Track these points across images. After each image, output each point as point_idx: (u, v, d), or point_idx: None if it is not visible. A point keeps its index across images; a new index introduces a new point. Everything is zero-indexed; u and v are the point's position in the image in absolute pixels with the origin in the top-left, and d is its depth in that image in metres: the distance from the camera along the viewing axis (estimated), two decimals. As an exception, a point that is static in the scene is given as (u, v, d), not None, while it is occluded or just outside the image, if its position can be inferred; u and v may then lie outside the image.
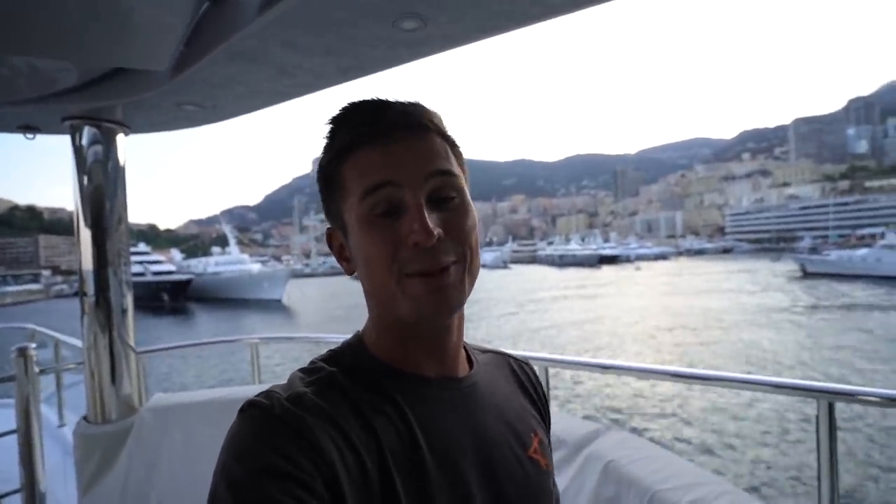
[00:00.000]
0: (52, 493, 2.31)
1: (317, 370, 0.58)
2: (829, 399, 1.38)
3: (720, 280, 43.97)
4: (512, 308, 29.73)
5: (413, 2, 1.11)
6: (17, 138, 2.32)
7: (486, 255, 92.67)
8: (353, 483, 0.48)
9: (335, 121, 0.60)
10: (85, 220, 2.07)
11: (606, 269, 70.10)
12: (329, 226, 0.65)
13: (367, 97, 0.60)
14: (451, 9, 1.16)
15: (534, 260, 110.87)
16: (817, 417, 1.40)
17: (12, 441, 2.16)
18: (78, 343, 2.26)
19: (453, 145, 0.62)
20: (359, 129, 0.58)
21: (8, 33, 1.27)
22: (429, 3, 1.12)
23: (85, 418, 2.13)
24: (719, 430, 8.79)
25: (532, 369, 0.78)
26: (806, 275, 43.50)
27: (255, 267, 54.60)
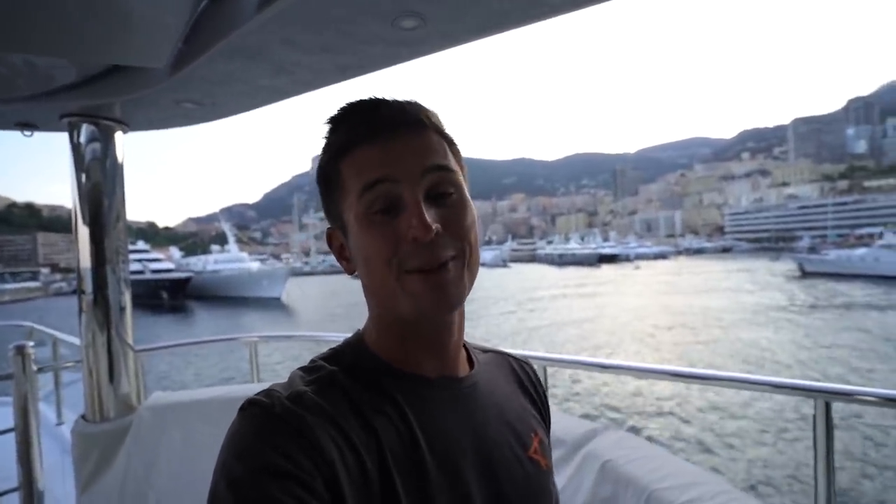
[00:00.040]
0: (51, 492, 2.31)
1: (317, 369, 0.57)
2: (826, 399, 1.39)
3: (719, 279, 44.04)
4: (511, 307, 29.76)
5: (412, 0, 1.10)
6: (15, 135, 2.32)
7: (486, 254, 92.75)
8: (353, 483, 0.48)
9: (333, 120, 0.60)
10: (83, 217, 2.07)
11: (606, 268, 70.16)
12: (329, 226, 0.65)
13: (365, 96, 0.60)
14: (451, 7, 1.15)
15: (533, 259, 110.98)
16: (814, 417, 1.40)
17: (10, 439, 2.16)
18: (76, 341, 2.25)
19: (451, 143, 0.62)
20: (356, 127, 0.58)
21: (6, 31, 1.27)
22: (428, 1, 1.12)
23: (83, 417, 2.13)
24: (718, 428, 8.82)
25: (532, 369, 0.78)
26: (804, 274, 43.58)
27: (255, 265, 54.65)
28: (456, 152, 0.63)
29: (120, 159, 2.14)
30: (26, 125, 2.07)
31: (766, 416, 9.17)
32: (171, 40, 1.39)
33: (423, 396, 0.59)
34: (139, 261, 49.79)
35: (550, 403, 0.80)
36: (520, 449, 0.64)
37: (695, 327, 20.55)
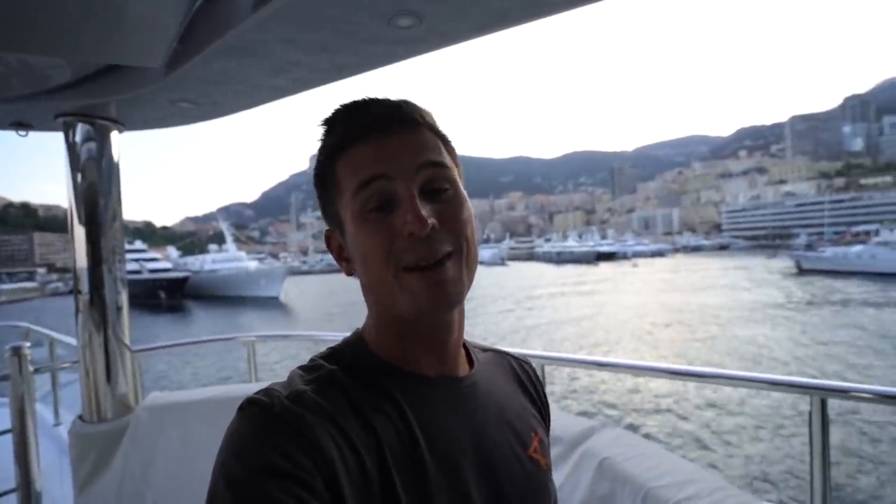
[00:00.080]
0: (48, 492, 2.31)
1: (316, 368, 0.57)
2: (821, 395, 1.40)
3: (717, 277, 44.17)
4: (509, 305, 29.79)
5: (408, -1, 1.10)
6: (10, 135, 2.30)
7: (484, 252, 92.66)
8: (353, 482, 0.48)
9: (327, 122, 0.61)
10: (79, 217, 2.06)
11: (604, 266, 70.26)
12: (327, 228, 0.65)
13: (359, 97, 0.61)
14: (447, 6, 1.15)
15: (531, 257, 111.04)
16: (810, 414, 1.41)
17: (7, 440, 2.15)
18: (73, 341, 2.25)
19: (445, 140, 0.62)
20: (350, 127, 0.58)
21: (1, 30, 1.26)
22: (424, 0, 1.12)
23: (80, 417, 2.13)
24: (715, 425, 8.85)
25: (532, 368, 0.78)
26: (801, 271, 43.73)
27: (253, 264, 54.55)
28: (451, 150, 0.63)
29: (116, 159, 2.13)
30: (21, 125, 2.06)
31: (762, 412, 9.21)
32: (167, 40, 1.39)
33: (423, 395, 0.59)
34: (136, 260, 49.59)
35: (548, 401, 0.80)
36: (520, 448, 0.64)
37: (692, 325, 20.61)
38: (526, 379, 0.75)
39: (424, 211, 0.54)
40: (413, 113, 0.60)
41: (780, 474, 7.05)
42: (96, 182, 2.08)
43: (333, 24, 1.22)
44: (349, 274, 0.63)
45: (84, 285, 2.07)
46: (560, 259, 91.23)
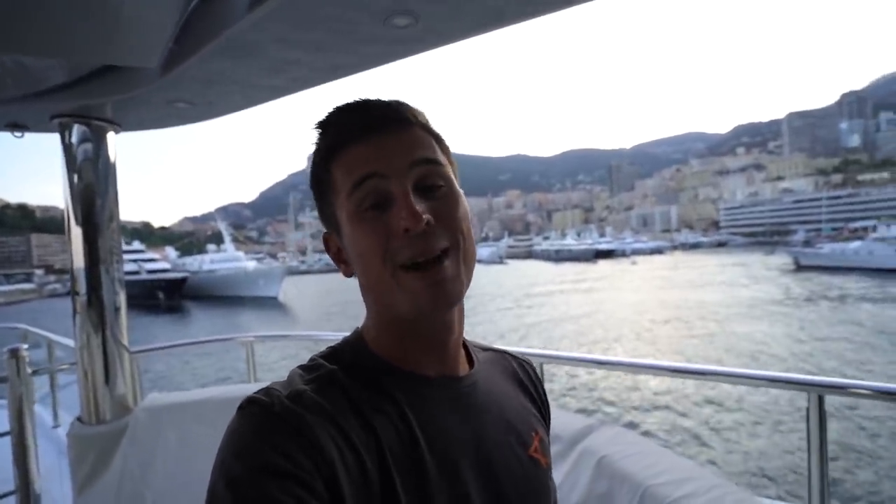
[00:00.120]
0: (48, 494, 2.30)
1: (316, 368, 0.57)
2: (819, 392, 1.40)
3: (715, 273, 44.24)
4: (508, 303, 29.80)
5: (404, -2, 1.10)
6: (6, 136, 2.30)
7: (482, 251, 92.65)
8: (353, 482, 0.48)
9: (321, 125, 0.61)
10: (76, 218, 2.05)
11: (602, 264, 70.32)
12: (325, 231, 0.65)
13: (351, 99, 0.61)
14: (443, 6, 1.15)
15: (530, 255, 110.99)
16: (808, 410, 1.42)
17: (6, 442, 2.15)
18: (71, 343, 2.24)
19: (438, 139, 0.63)
20: (343, 129, 0.59)
21: (-6, 31, 1.25)
22: (420, 0, 1.12)
23: (79, 419, 2.12)
24: (714, 421, 8.88)
25: (532, 368, 0.78)
26: (799, 268, 43.84)
27: (251, 264, 54.40)
28: (444, 148, 0.63)
29: (112, 159, 2.13)
30: (17, 126, 2.05)
31: (762, 408, 9.24)
32: (162, 40, 1.38)
33: (423, 395, 0.59)
34: (135, 261, 49.48)
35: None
36: (520, 448, 0.64)
37: (691, 321, 20.65)
38: (526, 378, 0.75)
39: (419, 207, 0.54)
40: (405, 112, 0.60)
41: (778, 470, 7.08)
42: (93, 183, 2.07)
43: (329, 23, 1.22)
44: (348, 276, 0.63)
45: (81, 286, 2.07)
46: (559, 257, 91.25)
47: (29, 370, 2.20)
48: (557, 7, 1.20)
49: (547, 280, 46.50)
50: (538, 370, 0.80)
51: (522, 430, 0.66)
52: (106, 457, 2.06)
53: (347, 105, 0.60)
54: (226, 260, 55.48)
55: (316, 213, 0.66)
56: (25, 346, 2.26)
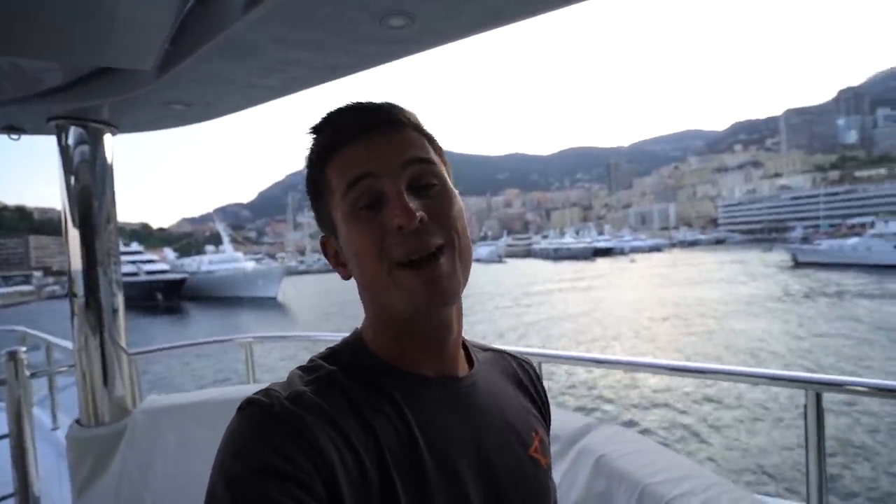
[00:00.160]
0: (47, 496, 2.30)
1: (316, 369, 0.57)
2: (816, 389, 1.41)
3: (713, 271, 44.31)
4: (507, 302, 29.83)
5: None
6: (3, 138, 2.30)
7: (481, 250, 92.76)
8: (352, 483, 0.48)
9: (315, 129, 0.62)
10: (73, 220, 2.05)
11: (601, 262, 70.38)
12: (323, 235, 0.65)
13: (349, 99, 0.62)
14: (438, 6, 1.15)
15: (529, 254, 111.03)
16: (805, 407, 1.42)
17: (5, 445, 2.15)
18: (70, 345, 2.24)
19: (431, 139, 0.63)
20: (337, 131, 0.60)
21: (-10, 34, 1.25)
22: (415, 0, 1.12)
23: (78, 421, 2.12)
24: (714, 418, 8.90)
25: (532, 368, 0.78)
26: (797, 264, 43.93)
27: (250, 265, 54.32)
28: (437, 148, 0.64)
29: (109, 161, 2.13)
30: (13, 129, 2.05)
31: (762, 405, 9.26)
32: (158, 42, 1.38)
33: (422, 395, 0.59)
34: (133, 262, 49.38)
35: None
36: (520, 448, 0.64)
37: (690, 319, 20.68)
38: (526, 379, 0.75)
39: (413, 205, 0.55)
40: (398, 114, 0.61)
41: (776, 467, 7.10)
42: (90, 185, 2.07)
43: (325, 24, 1.22)
44: (346, 279, 0.63)
45: (79, 288, 2.06)
46: (557, 255, 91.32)
47: (27, 373, 2.20)
48: (555, 6, 1.20)
49: (546, 279, 46.52)
50: (537, 370, 0.80)
51: (522, 430, 0.66)
52: (105, 459, 2.06)
53: (340, 108, 0.61)
54: (224, 261, 55.40)
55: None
56: (24, 348, 2.26)
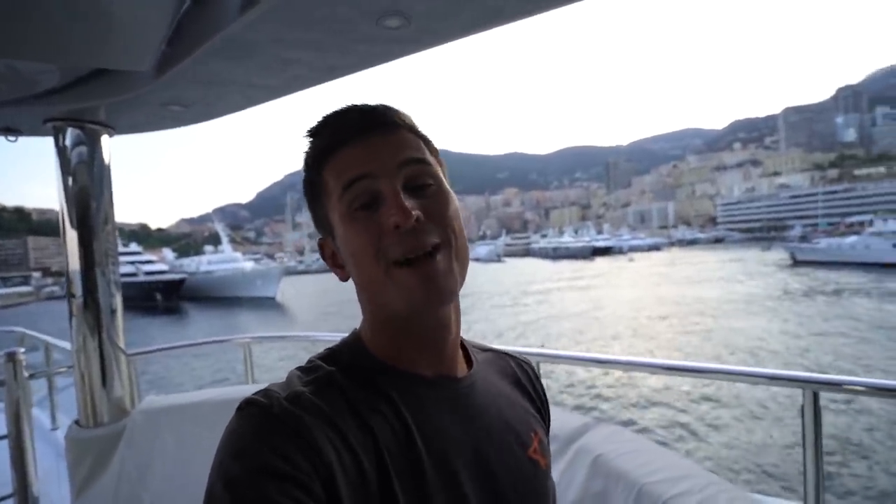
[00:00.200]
0: (46, 497, 2.30)
1: (315, 369, 0.57)
2: (813, 389, 1.41)
3: (712, 270, 44.34)
4: (506, 301, 29.84)
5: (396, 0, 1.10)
6: (0, 139, 2.31)
7: (480, 249, 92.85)
8: (351, 484, 0.48)
9: (311, 132, 0.62)
10: (71, 221, 2.05)
11: (600, 261, 70.39)
12: (320, 237, 0.66)
13: (346, 100, 0.63)
14: (435, 6, 1.15)
15: (528, 253, 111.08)
16: (802, 406, 1.42)
17: (4, 446, 2.15)
18: (69, 346, 2.24)
19: (426, 140, 0.64)
20: (333, 134, 0.60)
21: (-14, 36, 1.25)
22: (412, 0, 1.12)
23: (76, 422, 2.12)
24: (712, 416, 8.91)
25: (532, 368, 0.78)
26: (796, 263, 43.98)
27: (249, 265, 54.27)
28: (432, 149, 0.64)
29: (107, 162, 2.12)
30: (10, 130, 2.05)
31: (761, 404, 9.28)
32: (155, 43, 1.38)
33: (420, 395, 0.59)
34: (132, 263, 49.33)
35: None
36: (519, 449, 0.64)
37: (689, 318, 20.70)
38: (525, 379, 0.75)
39: (409, 204, 0.55)
40: (393, 116, 0.61)
41: (773, 466, 7.12)
42: (87, 186, 2.07)
43: (322, 24, 1.22)
44: (344, 280, 0.63)
45: (77, 289, 2.06)
46: (556, 254, 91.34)
47: (26, 374, 2.20)
48: (552, 6, 1.20)
49: (545, 278, 46.54)
50: (536, 370, 0.80)
51: (521, 430, 0.66)
52: (104, 459, 2.06)
53: (336, 111, 0.62)
54: (223, 261, 55.34)
55: None
56: (23, 349, 2.26)
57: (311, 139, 0.63)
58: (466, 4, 1.16)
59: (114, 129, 2.12)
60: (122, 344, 2.15)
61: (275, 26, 1.22)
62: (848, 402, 8.57)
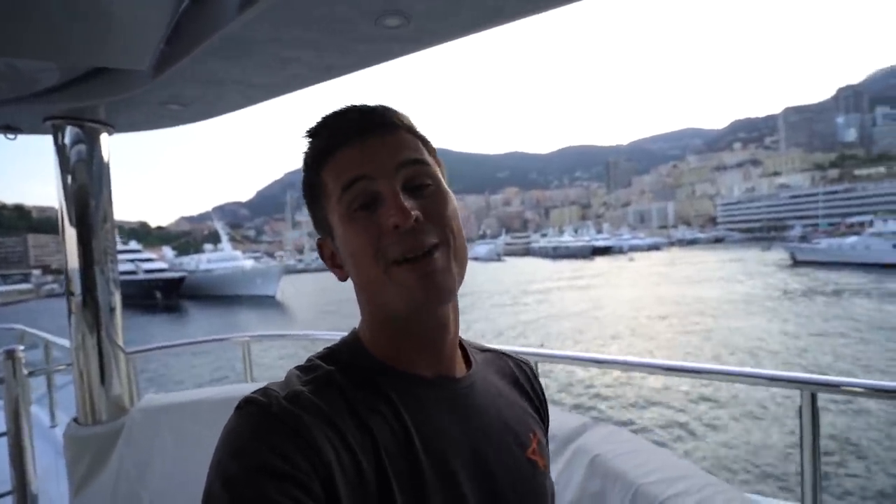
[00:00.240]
0: (45, 494, 2.31)
1: (314, 368, 0.58)
2: (811, 390, 1.41)
3: (712, 269, 44.35)
4: (506, 300, 29.85)
5: (395, -1, 1.10)
6: (0, 138, 2.31)
7: (480, 248, 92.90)
8: (349, 483, 0.48)
9: (310, 133, 0.63)
10: (70, 219, 2.05)
11: (600, 261, 70.39)
12: (319, 237, 0.66)
13: (345, 100, 0.64)
14: (434, 6, 1.15)
15: (527, 252, 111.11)
16: (800, 407, 1.43)
17: (3, 443, 2.15)
18: (68, 343, 2.24)
19: (424, 141, 0.64)
20: (331, 135, 0.60)
21: (-14, 34, 1.25)
22: (411, 0, 1.12)
23: (75, 420, 2.13)
24: (710, 416, 8.92)
25: (531, 369, 0.78)
26: (796, 263, 43.98)
27: (248, 263, 54.31)
28: (430, 149, 0.64)
29: (106, 160, 2.12)
30: (9, 128, 2.05)
31: (760, 404, 9.29)
32: (154, 41, 1.38)
33: (419, 396, 0.59)
34: (132, 261, 49.35)
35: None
36: (518, 449, 0.64)
37: (688, 318, 20.70)
38: (524, 380, 0.75)
39: (408, 204, 0.55)
40: (391, 117, 0.61)
41: (772, 466, 7.13)
42: (87, 184, 2.07)
43: (321, 23, 1.22)
44: (343, 280, 0.63)
45: (76, 287, 2.06)
46: (556, 254, 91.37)
47: (25, 371, 2.21)
48: (551, 6, 1.20)
49: (544, 277, 46.55)
50: (535, 370, 0.80)
51: (520, 431, 0.66)
52: (102, 457, 2.06)
53: (335, 112, 0.62)
54: (223, 259, 55.38)
55: None
56: (22, 346, 2.26)
57: (310, 140, 0.63)
58: (466, 4, 1.15)
59: (113, 128, 2.12)
60: (121, 342, 2.16)
61: (273, 25, 1.22)
62: (847, 403, 8.58)
